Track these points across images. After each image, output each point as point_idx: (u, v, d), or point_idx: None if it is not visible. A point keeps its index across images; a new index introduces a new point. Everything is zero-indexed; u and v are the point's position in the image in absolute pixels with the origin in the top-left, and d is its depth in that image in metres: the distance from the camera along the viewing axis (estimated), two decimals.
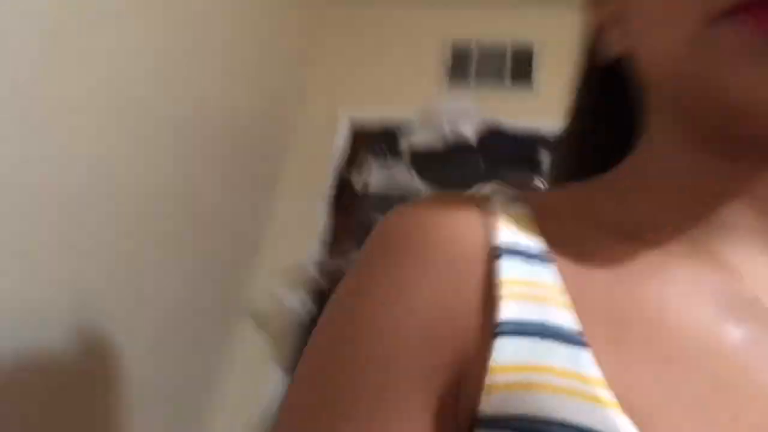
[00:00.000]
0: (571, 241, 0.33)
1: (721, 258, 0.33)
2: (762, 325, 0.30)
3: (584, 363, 0.27)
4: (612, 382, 0.27)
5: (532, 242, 0.32)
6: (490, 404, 0.27)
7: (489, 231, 0.32)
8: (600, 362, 0.27)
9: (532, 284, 0.30)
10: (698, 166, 0.34)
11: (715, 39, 0.29)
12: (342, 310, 0.33)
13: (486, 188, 0.36)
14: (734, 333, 0.30)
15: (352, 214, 1.88)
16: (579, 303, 0.29)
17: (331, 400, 0.30)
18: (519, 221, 0.33)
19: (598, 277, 0.31)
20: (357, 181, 1.94)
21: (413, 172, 1.90)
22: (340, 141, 2.04)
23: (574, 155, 0.45)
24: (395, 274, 0.32)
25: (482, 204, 0.34)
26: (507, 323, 0.28)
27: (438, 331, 0.30)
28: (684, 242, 0.34)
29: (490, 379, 0.27)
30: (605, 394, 0.26)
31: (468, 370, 0.29)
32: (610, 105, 0.43)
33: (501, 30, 2.10)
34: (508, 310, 0.29)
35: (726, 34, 0.29)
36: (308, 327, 1.63)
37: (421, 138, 1.94)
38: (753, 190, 0.33)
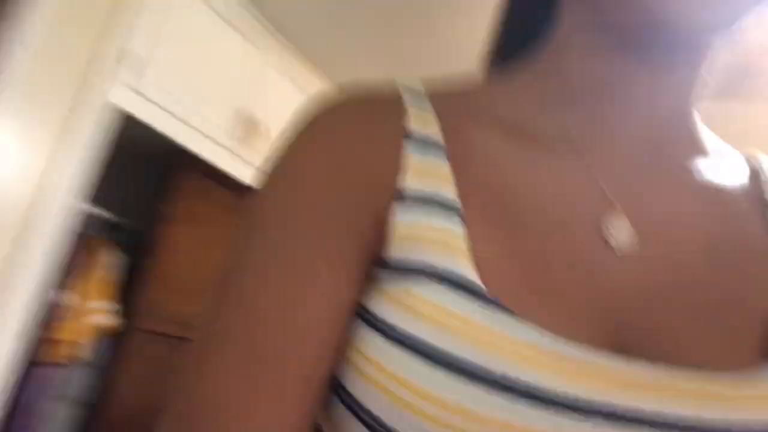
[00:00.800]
0: (464, 134, 0.37)
1: (601, 161, 0.37)
2: (620, 219, 0.35)
3: (455, 225, 0.33)
4: (474, 245, 0.32)
5: (432, 132, 0.37)
6: (392, 251, 0.33)
7: (401, 117, 0.37)
8: (467, 225, 0.33)
9: (428, 165, 0.35)
10: (602, 69, 0.37)
11: None
12: (267, 179, 0.37)
13: (400, 82, 0.40)
14: (612, 233, 0.34)
15: None
16: (463, 187, 0.35)
17: (251, 261, 0.34)
18: (424, 113, 0.38)
19: (482, 166, 0.36)
20: None
21: None
22: None
23: (502, 47, 0.47)
24: (311, 147, 0.36)
25: (395, 95, 0.39)
26: (408, 190, 0.34)
27: (350, 196, 0.34)
28: (567, 141, 0.37)
29: (392, 233, 0.33)
30: (463, 248, 0.32)
31: (375, 228, 0.34)
32: None
33: None
34: (409, 181, 0.35)
35: None
36: None
37: None
38: (653, 99, 0.37)
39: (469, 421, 0.28)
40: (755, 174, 0.41)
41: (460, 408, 0.29)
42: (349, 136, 0.36)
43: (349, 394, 0.32)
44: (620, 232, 0.35)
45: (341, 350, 0.33)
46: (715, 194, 0.38)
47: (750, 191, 0.39)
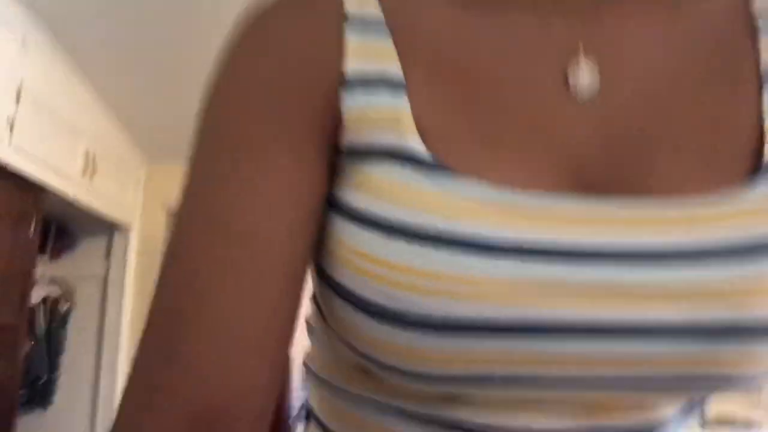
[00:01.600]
0: (411, 10, 0.37)
1: (566, 37, 0.36)
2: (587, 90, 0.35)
3: (399, 101, 0.34)
4: (420, 116, 0.33)
5: (370, 8, 0.36)
6: (346, 137, 0.34)
7: (337, 2, 0.37)
8: (412, 97, 0.34)
9: (369, 44, 0.35)
10: None
11: None
12: (215, 81, 0.37)
13: None
14: (558, 93, 0.35)
15: None
16: (407, 59, 0.35)
17: (215, 158, 0.34)
18: None
19: (429, 31, 0.36)
20: None
21: None
22: None
23: None
24: (252, 45, 0.36)
25: None
26: (351, 74, 0.35)
27: (295, 86, 0.35)
28: (531, 12, 0.36)
29: (343, 119, 0.34)
30: (408, 122, 0.33)
31: (328, 114, 0.35)
32: None
33: None
34: (352, 64, 0.35)
35: None
36: None
37: None
38: None
39: (422, 279, 0.30)
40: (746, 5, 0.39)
41: (410, 268, 0.30)
42: (288, 30, 0.36)
43: (325, 273, 0.34)
44: (585, 76, 0.34)
45: (313, 233, 0.34)
46: (694, 20, 0.37)
47: (740, 11, 0.38)
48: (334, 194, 0.35)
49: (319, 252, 0.35)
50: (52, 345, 3.19)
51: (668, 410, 0.37)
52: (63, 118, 2.60)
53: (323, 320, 0.38)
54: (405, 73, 0.35)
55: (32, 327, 2.95)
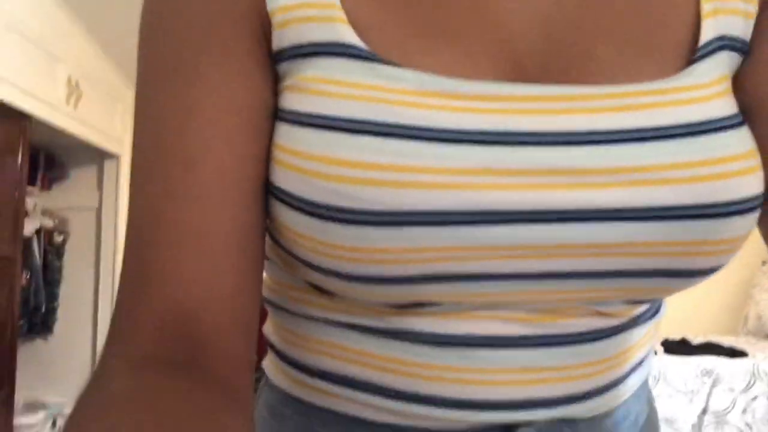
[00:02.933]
0: None
1: None
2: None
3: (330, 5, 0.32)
4: (352, 9, 0.32)
5: None
6: (276, 40, 0.33)
7: None
8: (347, 8, 0.33)
9: None
10: None
11: None
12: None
13: None
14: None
15: None
16: None
17: (155, 76, 0.34)
18: None
19: None
20: None
21: None
22: None
23: None
24: None
25: None
26: None
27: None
28: None
29: (273, 24, 0.33)
30: (339, 15, 0.32)
31: (252, 22, 0.33)
32: None
33: None
34: None
35: None
36: None
37: None
38: None
39: (370, 171, 0.29)
40: None
41: (357, 161, 0.30)
42: None
43: (272, 185, 0.33)
44: None
45: (263, 143, 0.34)
46: None
47: None
48: (278, 102, 0.34)
49: (269, 170, 0.34)
50: (49, 276, 3.19)
51: (618, 317, 0.37)
52: (43, 44, 2.50)
53: (274, 241, 0.37)
54: None
55: (28, 259, 2.93)
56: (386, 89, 0.31)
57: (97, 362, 0.30)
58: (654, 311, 0.42)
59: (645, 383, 0.44)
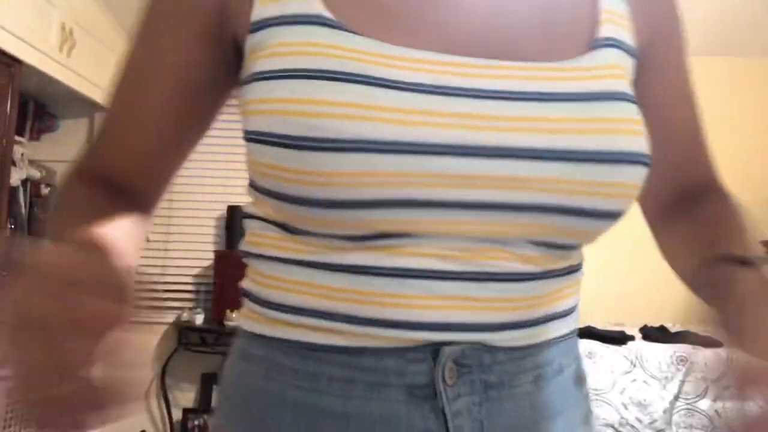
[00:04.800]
0: None
1: None
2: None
3: None
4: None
5: None
6: (257, 13, 0.44)
7: None
8: None
9: None
10: None
11: None
12: None
13: None
14: None
15: None
16: None
17: (139, 30, 0.52)
18: None
19: None
20: None
21: None
22: None
23: None
24: None
25: None
26: None
27: None
28: None
29: (254, 15, 0.45)
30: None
31: (232, 14, 0.47)
32: None
33: None
34: None
35: None
36: None
37: None
38: None
39: (341, 107, 0.39)
40: None
41: (331, 101, 0.39)
42: None
43: (252, 131, 0.42)
44: None
45: (205, 89, 0.52)
46: None
47: None
48: (252, 70, 0.44)
49: (247, 123, 0.44)
50: (34, 229, 3.16)
51: (536, 264, 0.45)
52: None
53: (252, 187, 0.48)
54: None
55: (13, 210, 2.90)
56: (350, 50, 0.41)
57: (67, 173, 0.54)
58: (570, 270, 0.49)
59: (573, 342, 0.52)
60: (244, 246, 0.50)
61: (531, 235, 0.43)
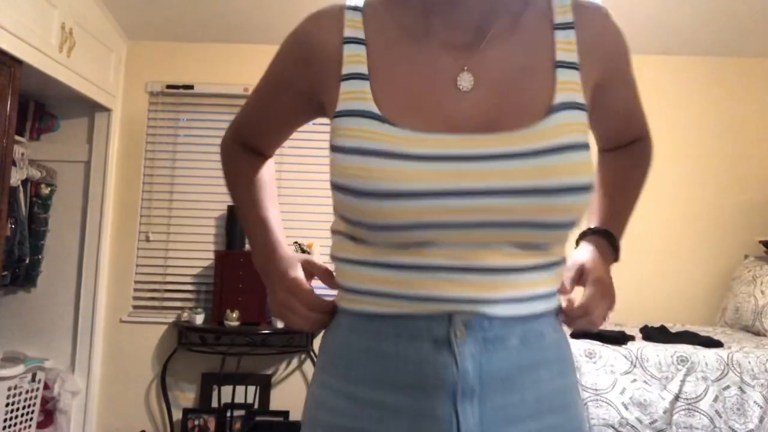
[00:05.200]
0: (381, 37, 0.72)
1: (453, 44, 0.71)
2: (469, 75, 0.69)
3: (366, 88, 0.68)
4: (376, 95, 0.68)
5: (359, 34, 0.72)
6: (337, 108, 0.69)
7: (342, 27, 0.73)
8: (373, 85, 0.69)
9: (355, 55, 0.71)
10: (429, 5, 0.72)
11: None
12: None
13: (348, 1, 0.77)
14: (460, 82, 0.69)
15: None
16: (372, 64, 0.70)
17: (257, 87, 0.84)
18: (355, 22, 0.73)
19: (392, 54, 0.71)
20: None
21: None
22: None
23: None
24: (284, 47, 0.79)
25: (340, 11, 0.74)
26: (345, 74, 0.70)
27: (301, 69, 0.76)
28: (445, 38, 0.71)
29: (338, 98, 0.70)
30: (369, 96, 0.68)
31: (323, 93, 0.73)
32: None
33: None
34: (345, 70, 0.70)
35: None
36: None
37: None
38: (463, 3, 0.70)
39: (369, 172, 0.64)
40: (551, 6, 0.74)
41: (366, 167, 0.64)
42: (306, 38, 0.76)
43: (334, 183, 0.68)
44: (466, 80, 0.69)
45: (289, 132, 0.88)
46: (523, 37, 0.72)
47: (547, 12, 0.73)
48: (333, 142, 0.69)
49: (331, 175, 0.69)
50: (34, 228, 3.16)
51: (519, 259, 0.67)
52: None
53: (336, 214, 0.73)
54: (370, 71, 0.70)
55: (13, 209, 2.90)
56: (387, 135, 0.66)
57: (223, 144, 0.91)
58: (550, 264, 0.70)
59: (553, 318, 0.73)
60: (332, 252, 0.76)
61: (509, 240, 0.66)
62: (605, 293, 0.76)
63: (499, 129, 0.65)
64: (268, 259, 0.82)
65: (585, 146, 0.66)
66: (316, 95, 0.75)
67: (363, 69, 0.69)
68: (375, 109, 0.67)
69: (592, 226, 0.84)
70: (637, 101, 0.84)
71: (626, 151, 0.89)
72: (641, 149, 0.89)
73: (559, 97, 0.67)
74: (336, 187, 0.67)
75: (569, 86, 0.69)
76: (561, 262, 0.72)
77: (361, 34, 0.72)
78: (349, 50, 0.71)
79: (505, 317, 0.66)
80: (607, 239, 0.82)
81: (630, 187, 0.89)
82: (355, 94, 0.68)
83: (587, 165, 0.65)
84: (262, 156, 0.90)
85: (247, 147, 0.89)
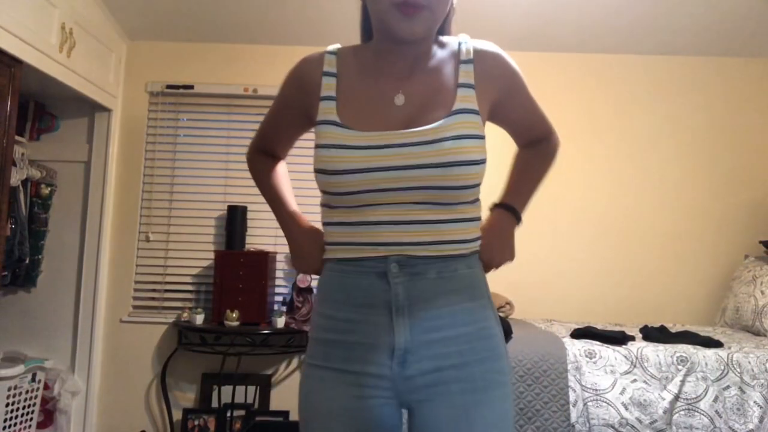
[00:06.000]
0: (345, 68, 1.05)
1: (394, 77, 1.03)
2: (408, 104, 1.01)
3: (333, 105, 1.02)
4: (340, 110, 1.01)
5: (332, 69, 1.05)
6: (317, 117, 1.03)
7: (321, 66, 1.06)
8: (338, 104, 1.02)
9: (329, 84, 1.04)
10: (387, 45, 1.02)
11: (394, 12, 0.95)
12: None
13: (329, 48, 1.08)
14: (396, 100, 1.01)
15: None
16: (339, 89, 1.03)
17: (270, 109, 1.19)
18: (331, 61, 1.06)
19: (353, 83, 1.03)
20: None
21: None
22: None
23: (364, 34, 1.10)
24: (286, 79, 1.11)
25: (321, 56, 1.07)
26: (322, 95, 1.03)
27: (297, 94, 1.09)
28: (384, 70, 1.03)
29: (319, 111, 1.03)
30: (335, 111, 1.01)
31: (311, 110, 1.05)
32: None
33: None
34: (323, 92, 1.03)
35: (396, 10, 0.95)
36: None
37: None
38: (406, 52, 1.02)
39: (329, 160, 0.96)
40: (458, 45, 1.06)
41: (327, 156, 0.96)
42: (300, 73, 1.08)
43: (315, 168, 0.98)
44: (399, 99, 1.00)
45: (292, 137, 1.21)
46: (438, 70, 1.03)
47: (456, 54, 1.05)
48: (316, 141, 1.00)
49: (314, 164, 0.98)
50: (34, 228, 3.16)
51: (441, 214, 0.97)
52: None
53: (320, 190, 1.02)
54: (337, 95, 1.03)
55: (13, 209, 2.90)
56: (342, 135, 0.97)
57: (248, 155, 1.25)
58: (464, 219, 0.99)
59: (469, 261, 1.01)
60: (321, 219, 1.05)
61: (425, 200, 0.95)
62: (503, 244, 1.11)
63: (416, 125, 0.96)
64: (291, 218, 1.16)
65: (474, 136, 0.95)
66: (308, 111, 1.06)
67: (333, 93, 1.02)
68: (336, 119, 0.99)
69: (499, 200, 1.16)
70: (534, 110, 1.14)
71: (533, 148, 1.20)
72: (544, 146, 1.19)
73: (457, 105, 0.98)
74: (315, 170, 0.98)
75: (466, 98, 0.99)
76: (472, 219, 1.01)
77: (334, 69, 1.04)
78: (325, 80, 1.04)
79: (425, 256, 0.96)
80: (507, 209, 1.14)
81: (532, 172, 1.19)
82: (327, 110, 1.01)
83: (474, 148, 0.94)
84: (278, 158, 1.24)
85: (266, 153, 1.22)
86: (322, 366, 1.00)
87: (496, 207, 1.16)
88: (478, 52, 1.04)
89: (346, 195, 0.95)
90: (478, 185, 0.98)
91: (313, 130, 1.06)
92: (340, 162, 0.94)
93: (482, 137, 0.97)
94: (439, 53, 1.05)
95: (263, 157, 1.22)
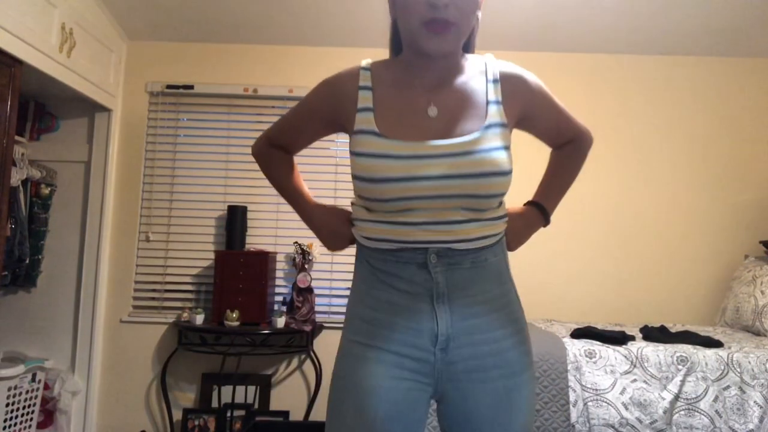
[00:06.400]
0: (380, 82, 1.11)
1: (425, 89, 1.10)
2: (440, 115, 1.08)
3: (371, 116, 1.08)
4: (377, 120, 1.07)
5: (367, 83, 1.11)
6: (354, 127, 1.09)
7: (357, 79, 1.12)
8: (376, 114, 1.08)
9: (365, 96, 1.10)
10: (418, 58, 1.09)
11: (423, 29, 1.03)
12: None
13: (362, 63, 1.15)
14: (429, 111, 1.08)
15: None
16: (376, 101, 1.09)
17: (287, 114, 1.26)
18: (366, 75, 1.12)
19: (388, 95, 1.10)
20: None
21: None
22: None
23: (393, 48, 1.18)
24: (319, 87, 1.17)
25: (356, 70, 1.13)
26: (359, 106, 1.09)
27: (329, 102, 1.15)
28: (416, 83, 1.11)
29: (355, 121, 1.09)
30: (373, 121, 1.07)
31: (345, 120, 1.12)
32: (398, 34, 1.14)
33: None
34: (359, 104, 1.09)
35: (425, 29, 1.03)
36: None
37: None
38: (435, 65, 1.10)
39: (367, 169, 1.03)
40: (485, 65, 1.14)
41: (366, 165, 1.03)
42: (335, 84, 1.14)
43: (353, 174, 1.05)
44: (433, 111, 1.07)
45: (312, 141, 1.27)
46: (466, 84, 1.11)
47: (483, 73, 1.13)
48: (351, 148, 1.07)
49: (352, 170, 1.05)
50: (34, 228, 3.16)
51: (472, 215, 1.05)
52: None
53: (356, 194, 1.11)
54: (374, 106, 1.09)
55: (13, 209, 2.90)
56: (381, 144, 1.03)
57: (255, 148, 1.31)
58: (492, 218, 1.07)
59: (496, 250, 1.11)
60: (353, 216, 1.15)
61: (459, 206, 1.03)
62: (521, 234, 1.21)
63: (453, 136, 1.04)
64: (313, 203, 1.25)
65: (504, 148, 1.04)
66: (338, 120, 1.14)
67: (370, 104, 1.08)
68: (375, 129, 1.05)
69: (532, 199, 1.27)
70: (560, 116, 1.22)
71: (564, 149, 1.29)
72: (573, 147, 1.28)
73: (490, 120, 1.06)
74: (354, 177, 1.05)
75: (495, 114, 1.08)
76: (499, 218, 1.10)
77: (369, 83, 1.11)
78: (362, 93, 1.10)
79: (461, 250, 1.05)
80: (537, 208, 1.25)
81: (563, 173, 1.30)
82: (364, 120, 1.07)
83: (504, 160, 1.03)
84: (289, 153, 1.30)
85: (279, 148, 1.28)
86: (364, 344, 1.05)
87: (529, 203, 1.26)
88: (503, 75, 1.12)
89: (387, 202, 1.02)
90: (505, 193, 1.07)
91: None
92: (382, 171, 1.00)
93: (509, 149, 1.06)
94: (466, 68, 1.13)
95: (276, 150, 1.27)
